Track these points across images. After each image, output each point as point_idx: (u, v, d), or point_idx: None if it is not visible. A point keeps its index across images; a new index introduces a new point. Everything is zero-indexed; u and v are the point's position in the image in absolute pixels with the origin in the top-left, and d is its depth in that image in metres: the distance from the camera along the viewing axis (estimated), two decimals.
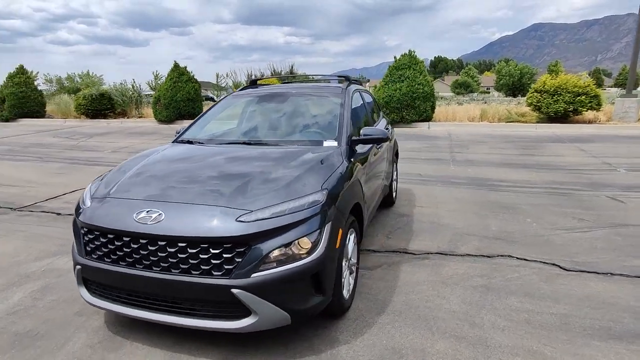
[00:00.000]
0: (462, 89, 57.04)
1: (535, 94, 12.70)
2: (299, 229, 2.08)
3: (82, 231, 2.28)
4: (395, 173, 5.16)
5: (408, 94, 12.85)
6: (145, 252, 2.05)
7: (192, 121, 3.65)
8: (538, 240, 3.94)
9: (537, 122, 12.84)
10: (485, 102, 20.51)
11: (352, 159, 2.93)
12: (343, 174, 2.59)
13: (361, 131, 3.11)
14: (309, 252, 2.09)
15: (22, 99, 19.45)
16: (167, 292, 2.05)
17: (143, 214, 2.10)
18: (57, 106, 20.98)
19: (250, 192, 2.20)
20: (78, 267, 2.27)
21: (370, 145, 3.36)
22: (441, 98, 24.47)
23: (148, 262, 2.05)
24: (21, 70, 20.09)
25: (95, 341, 2.38)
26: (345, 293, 2.56)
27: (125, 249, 2.09)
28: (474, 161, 8.00)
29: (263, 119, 3.63)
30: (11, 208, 5.27)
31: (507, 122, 13.40)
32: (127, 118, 18.88)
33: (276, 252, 2.01)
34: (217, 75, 23.04)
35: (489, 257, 3.58)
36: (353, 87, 3.76)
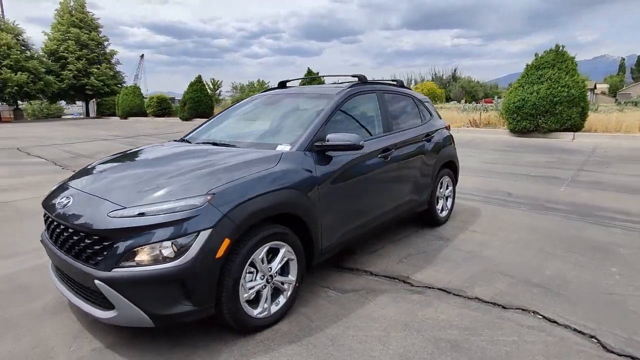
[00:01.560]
0: None
1: None
2: (166, 231, 1.99)
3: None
4: (444, 189, 4.39)
5: (547, 97, 10.71)
6: (56, 234, 2.29)
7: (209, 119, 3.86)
8: (601, 299, 2.79)
9: None
10: None
11: (313, 166, 2.65)
12: (265, 178, 2.36)
13: (327, 137, 2.76)
14: (176, 257, 1.98)
15: (197, 103, 23.93)
16: (69, 272, 2.25)
17: (60, 200, 2.35)
18: (222, 108, 25.10)
19: (144, 190, 2.21)
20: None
21: (354, 153, 2.95)
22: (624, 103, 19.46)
23: (59, 243, 2.29)
24: (199, 80, 24.75)
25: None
26: (256, 310, 2.33)
27: (50, 229, 2.39)
28: (602, 184, 6.16)
29: (245, 121, 3.60)
30: None
31: None
32: None
33: (139, 251, 1.98)
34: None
35: (502, 307, 2.72)
36: (353, 89, 3.34)
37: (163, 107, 28.40)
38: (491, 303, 2.77)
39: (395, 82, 4.17)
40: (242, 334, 2.36)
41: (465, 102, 21.75)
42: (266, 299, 2.41)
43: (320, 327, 2.48)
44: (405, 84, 4.39)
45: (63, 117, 38.13)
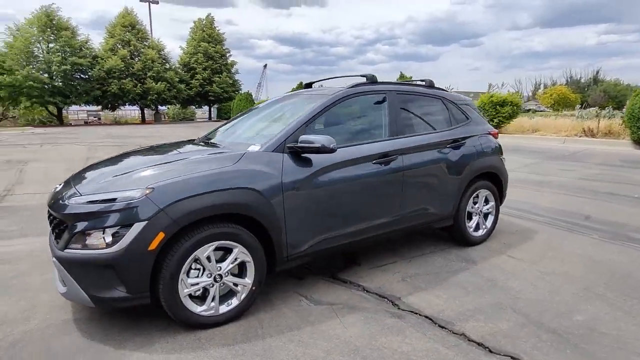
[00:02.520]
0: None
1: None
2: (104, 220, 2.13)
3: None
4: (481, 204, 3.81)
5: None
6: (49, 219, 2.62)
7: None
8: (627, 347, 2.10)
9: None
10: None
11: (280, 168, 2.56)
12: (212, 177, 2.35)
13: (299, 138, 2.63)
14: (111, 245, 2.11)
15: None
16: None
17: (54, 188, 2.69)
18: None
19: (104, 181, 2.39)
20: None
21: (337, 157, 2.76)
22: None
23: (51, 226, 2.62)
24: (300, 85, 26.04)
25: None
26: (200, 307, 2.34)
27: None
28: None
29: (249, 123, 3.58)
30: None
31: None
32: None
33: (82, 236, 2.16)
34: (490, 85, 22.38)
35: (488, 350, 2.24)
36: (352, 90, 3.09)
37: None
38: (476, 343, 2.30)
39: (422, 82, 3.77)
40: (188, 328, 2.39)
41: (584, 107, 18.46)
42: (213, 297, 2.40)
43: (264, 335, 2.37)
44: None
45: (196, 119, 43.81)
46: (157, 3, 37.60)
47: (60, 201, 2.32)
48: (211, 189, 2.30)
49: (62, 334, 2.35)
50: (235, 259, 2.44)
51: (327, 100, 2.97)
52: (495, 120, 13.98)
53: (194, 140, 3.57)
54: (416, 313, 2.65)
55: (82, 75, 33.03)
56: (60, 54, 31.35)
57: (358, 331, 2.42)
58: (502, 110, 13.85)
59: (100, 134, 19.86)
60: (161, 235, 2.16)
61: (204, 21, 39.07)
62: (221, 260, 2.42)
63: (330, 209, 2.81)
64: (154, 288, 2.23)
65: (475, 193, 3.74)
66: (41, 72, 30.26)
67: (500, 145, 4.03)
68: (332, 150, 2.57)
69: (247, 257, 2.47)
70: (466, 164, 3.57)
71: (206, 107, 43.10)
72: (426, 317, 2.60)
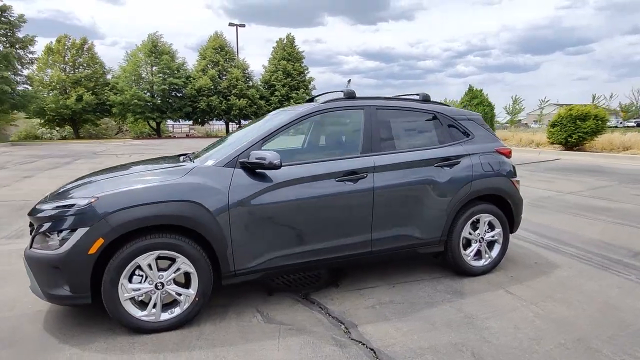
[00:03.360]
0: None
1: None
2: (56, 224, 2.37)
3: None
4: (482, 230, 3.41)
5: None
6: None
7: None
8: None
9: None
10: None
11: (227, 183, 2.61)
12: (155, 189, 2.48)
13: (250, 153, 2.65)
14: (58, 247, 2.34)
15: None
16: None
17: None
18: None
19: (75, 189, 2.67)
20: None
21: (289, 173, 2.73)
22: None
23: None
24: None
25: None
26: (141, 312, 2.47)
27: None
28: None
29: (235, 137, 3.63)
30: None
31: None
32: None
33: (40, 237, 2.42)
34: (594, 97, 20.47)
35: None
36: (324, 105, 3.00)
37: None
38: None
39: (415, 96, 3.53)
40: (129, 331, 2.52)
41: None
42: (155, 304, 2.51)
43: (194, 347, 2.40)
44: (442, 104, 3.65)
45: None
46: (244, 26, 40.76)
47: (36, 207, 2.65)
48: (150, 200, 2.43)
49: (28, 322, 2.65)
50: (178, 269, 2.53)
51: (293, 116, 2.96)
52: (574, 136, 12.36)
53: (176, 155, 3.77)
54: (363, 344, 2.46)
55: (177, 94, 37.09)
56: (160, 75, 35.64)
57: (286, 356, 2.33)
58: (582, 125, 12.18)
59: (185, 145, 21.98)
60: (100, 241, 2.33)
61: (285, 40, 41.27)
62: (167, 269, 2.52)
63: (285, 226, 2.77)
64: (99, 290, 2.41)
65: (475, 218, 3.36)
66: (145, 91, 34.66)
67: (512, 166, 3.59)
68: (275, 167, 2.55)
69: (191, 269, 2.55)
70: (460, 185, 3.24)
71: None
72: (371, 349, 2.40)
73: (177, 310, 2.56)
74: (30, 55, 27.28)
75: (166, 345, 2.41)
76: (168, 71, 35.87)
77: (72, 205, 2.40)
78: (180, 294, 2.56)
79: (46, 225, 2.41)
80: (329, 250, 2.92)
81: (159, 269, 2.51)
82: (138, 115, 34.89)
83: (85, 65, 35.18)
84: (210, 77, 36.77)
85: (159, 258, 2.50)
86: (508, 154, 3.60)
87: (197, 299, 2.59)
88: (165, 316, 2.54)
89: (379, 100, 3.29)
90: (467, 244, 3.41)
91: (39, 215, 2.48)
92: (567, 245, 4.22)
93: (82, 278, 2.36)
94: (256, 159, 2.60)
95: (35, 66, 31.18)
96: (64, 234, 2.35)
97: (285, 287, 3.29)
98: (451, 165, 3.26)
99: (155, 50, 35.87)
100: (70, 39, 34.67)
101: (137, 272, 2.47)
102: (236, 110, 36.85)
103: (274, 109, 41.46)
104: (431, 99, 3.58)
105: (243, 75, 38.25)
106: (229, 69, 38.00)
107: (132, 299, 2.48)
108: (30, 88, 28.53)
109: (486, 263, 3.45)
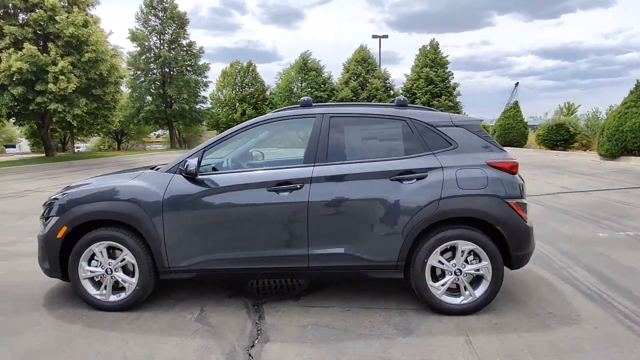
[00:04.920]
0: None
1: None
2: (45, 211, 3.05)
3: None
4: (459, 260, 2.79)
5: None
6: None
7: None
8: None
9: None
10: None
11: (164, 187, 2.89)
12: (106, 189, 2.97)
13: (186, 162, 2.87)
14: (43, 230, 3.02)
15: (507, 130, 22.28)
16: None
17: None
18: (537, 137, 22.05)
19: (75, 184, 3.35)
20: None
21: (220, 180, 2.85)
22: None
23: None
24: (515, 106, 22.92)
25: None
26: (95, 291, 2.95)
27: None
28: None
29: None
30: None
31: None
32: (588, 151, 16.65)
33: (40, 221, 3.15)
34: None
35: None
36: (274, 115, 2.95)
37: None
38: None
39: (390, 102, 3.12)
40: (87, 306, 3.03)
41: None
42: (105, 286, 2.97)
43: (118, 328, 2.73)
44: (409, 103, 3.13)
45: None
46: (387, 37, 41.26)
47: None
48: (97, 199, 2.91)
49: (39, 287, 3.45)
50: (123, 259, 2.94)
51: (244, 125, 3.06)
52: None
53: None
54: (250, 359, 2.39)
55: None
56: (308, 89, 39.15)
57: (177, 355, 2.44)
58: None
59: None
60: (65, 228, 2.92)
61: (428, 47, 39.98)
62: (116, 258, 2.97)
63: (216, 232, 2.88)
64: None
65: (448, 244, 2.79)
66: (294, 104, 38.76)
67: (516, 185, 2.83)
68: (189, 174, 2.71)
69: (133, 260, 2.92)
70: (422, 203, 2.75)
71: None
72: None
73: (122, 295, 2.97)
74: (205, 79, 33.86)
75: (101, 322, 2.83)
76: (316, 85, 39.12)
77: (56, 198, 3.07)
78: (125, 281, 2.96)
79: (43, 212, 3.14)
80: (264, 260, 2.90)
81: (111, 257, 2.96)
82: None
83: (249, 84, 41.41)
84: (351, 88, 38.47)
85: (110, 248, 2.95)
86: (509, 169, 2.85)
87: (137, 288, 2.94)
88: (113, 298, 2.97)
89: (336, 108, 3.08)
90: (437, 275, 2.85)
91: (44, 203, 3.25)
92: (623, 296, 3.03)
93: (54, 256, 2.98)
94: (182, 167, 2.81)
95: (212, 88, 38.53)
96: (48, 220, 3.03)
97: (250, 292, 3.37)
98: (413, 179, 2.80)
99: (305, 67, 39.59)
100: (240, 63, 41.40)
101: (95, 257, 2.97)
102: None
103: None
104: (408, 104, 3.13)
105: (383, 85, 38.72)
106: (370, 80, 39.01)
107: (91, 279, 2.99)
108: (204, 107, 35.36)
109: (465, 302, 2.81)
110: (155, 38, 33.36)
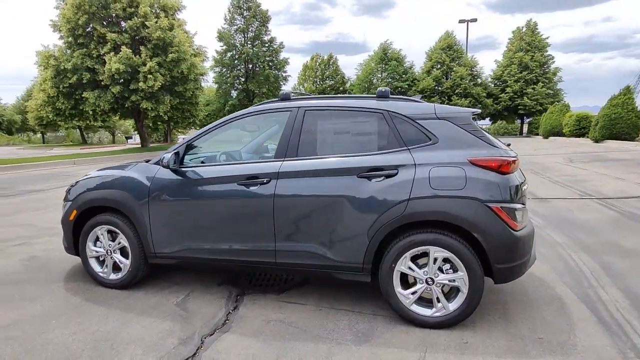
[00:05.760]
0: None
1: None
2: (65, 196, 3.49)
3: None
4: (431, 269, 2.53)
5: None
6: None
7: None
8: None
9: None
10: None
11: (150, 177, 3.11)
12: (103, 178, 3.32)
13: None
14: (63, 212, 3.47)
15: (613, 121, 19.17)
16: None
17: None
18: None
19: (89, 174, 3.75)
20: None
21: (190, 174, 3.01)
22: None
23: None
24: (625, 91, 19.55)
25: None
26: (100, 269, 3.32)
27: None
28: None
29: None
30: None
31: None
32: None
33: (62, 205, 3.62)
34: None
35: None
36: (254, 108, 2.93)
37: (582, 126, 24.65)
38: None
39: (367, 94, 2.89)
40: (97, 283, 3.41)
41: None
42: (107, 265, 3.32)
43: (104, 304, 3.03)
44: (391, 94, 2.84)
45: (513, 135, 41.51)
46: (476, 21, 38.07)
47: None
48: (97, 187, 3.25)
49: (71, 262, 3.96)
50: (120, 242, 3.24)
51: (224, 119, 3.13)
52: None
53: None
54: (200, 346, 2.48)
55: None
56: (388, 80, 38.19)
57: (140, 334, 2.63)
58: None
59: None
60: (75, 212, 3.32)
61: (524, 29, 36.03)
62: (114, 241, 3.29)
63: (192, 223, 3.02)
64: None
65: (419, 250, 2.53)
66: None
67: (504, 187, 2.44)
68: (165, 167, 2.86)
69: (126, 243, 3.21)
70: (390, 203, 2.53)
71: (519, 121, 39.69)
72: (195, 354, 2.40)
73: (120, 275, 3.28)
74: (284, 74, 35.09)
75: (98, 297, 3.16)
76: (397, 76, 37.99)
77: (73, 185, 3.49)
78: (121, 262, 3.27)
79: (64, 196, 3.60)
80: (237, 252, 2.95)
81: (112, 240, 3.29)
82: None
83: (330, 77, 41.81)
84: (433, 77, 36.55)
85: (109, 231, 3.28)
86: (496, 168, 2.47)
87: (130, 269, 3.23)
88: (113, 277, 3.30)
89: (312, 101, 2.96)
90: (408, 282, 2.62)
91: (66, 189, 3.72)
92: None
93: (69, 236, 3.41)
94: (162, 160, 2.99)
95: (293, 82, 39.86)
96: (65, 204, 3.47)
97: (240, 282, 3.46)
98: (381, 177, 2.58)
99: (385, 57, 38.62)
100: (320, 56, 41.99)
101: (99, 239, 3.33)
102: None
103: (505, 107, 37.40)
104: (390, 95, 2.88)
105: (470, 73, 36.03)
106: (455, 68, 36.61)
107: (96, 258, 3.36)
108: None
109: (437, 314, 2.53)
110: (239, 36, 35.54)
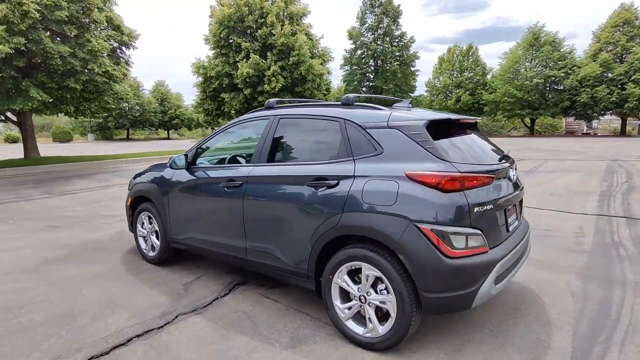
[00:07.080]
0: None
1: None
2: (129, 186, 4.46)
3: None
4: (366, 285, 2.41)
5: None
6: None
7: None
8: None
9: None
10: None
11: (172, 173, 3.71)
12: (146, 172, 4.02)
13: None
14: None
15: None
16: None
17: None
18: None
19: None
20: None
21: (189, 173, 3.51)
22: None
23: None
24: None
25: None
26: (143, 245, 4.13)
27: None
28: None
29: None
30: None
31: None
32: None
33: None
34: None
35: None
36: (245, 116, 3.18)
37: None
38: None
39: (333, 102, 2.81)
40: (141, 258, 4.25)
41: None
42: (147, 245, 4.11)
43: (133, 273, 3.79)
44: (353, 101, 2.66)
45: None
46: None
47: None
48: (143, 180, 4.03)
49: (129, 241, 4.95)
50: (153, 227, 3.99)
51: (226, 125, 3.52)
52: None
53: None
54: (164, 326, 2.90)
55: (555, 87, 33.31)
56: (538, 68, 33.27)
57: (133, 302, 3.25)
58: None
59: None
60: (130, 199, 4.21)
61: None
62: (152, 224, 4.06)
63: (193, 215, 3.51)
64: None
65: (353, 265, 2.45)
66: (516, 87, 33.67)
67: (437, 204, 2.16)
68: (170, 167, 3.43)
69: (157, 228, 3.93)
70: (328, 213, 2.50)
71: None
72: (141, 333, 2.80)
73: (153, 253, 4.02)
74: (412, 69, 34.01)
75: (133, 269, 3.93)
76: (551, 63, 32.86)
77: (133, 177, 4.40)
78: (155, 243, 4.00)
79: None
80: (222, 246, 3.31)
81: (149, 224, 4.07)
82: (507, 113, 34.60)
83: (468, 69, 38.68)
84: (601, 62, 30.25)
85: (149, 217, 4.06)
86: (435, 185, 2.18)
87: (160, 249, 3.93)
88: (151, 254, 4.06)
89: (288, 109, 3.07)
90: (347, 297, 2.54)
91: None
92: None
93: (128, 218, 4.34)
94: (174, 159, 3.56)
95: (427, 76, 38.33)
96: (128, 192, 4.41)
97: (248, 273, 3.84)
98: (324, 187, 2.56)
99: (536, 42, 33.70)
100: (458, 47, 39.16)
101: (144, 222, 4.15)
102: (633, 101, 28.38)
103: None
104: (355, 102, 2.76)
105: None
106: (633, 49, 29.55)
107: (143, 237, 4.18)
108: (412, 95, 35.94)
109: (368, 335, 2.41)
110: (369, 34, 35.91)
